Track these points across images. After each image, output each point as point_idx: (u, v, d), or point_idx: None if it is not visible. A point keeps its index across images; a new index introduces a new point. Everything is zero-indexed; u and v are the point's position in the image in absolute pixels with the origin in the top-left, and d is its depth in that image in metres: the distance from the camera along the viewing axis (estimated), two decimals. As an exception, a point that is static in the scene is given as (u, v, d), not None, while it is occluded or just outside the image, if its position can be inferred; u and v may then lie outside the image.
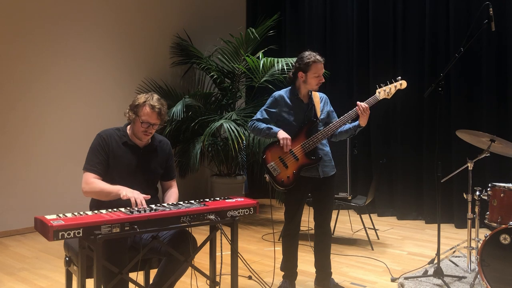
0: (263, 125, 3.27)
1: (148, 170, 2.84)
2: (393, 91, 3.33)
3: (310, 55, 3.23)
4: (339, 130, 3.33)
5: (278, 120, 3.34)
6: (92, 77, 5.62)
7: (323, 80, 3.29)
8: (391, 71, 5.89)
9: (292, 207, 3.34)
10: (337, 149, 4.60)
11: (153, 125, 2.77)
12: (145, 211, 2.37)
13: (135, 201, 2.53)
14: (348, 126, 3.33)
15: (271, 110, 3.33)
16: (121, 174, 2.75)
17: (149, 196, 2.60)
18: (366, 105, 3.20)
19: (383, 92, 3.32)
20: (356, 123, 3.29)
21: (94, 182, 2.67)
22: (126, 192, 2.58)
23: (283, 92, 3.36)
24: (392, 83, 3.34)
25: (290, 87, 3.37)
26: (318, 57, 3.24)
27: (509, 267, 3.00)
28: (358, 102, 3.21)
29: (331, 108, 3.45)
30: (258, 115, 3.35)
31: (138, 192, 2.59)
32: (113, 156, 2.75)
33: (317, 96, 3.38)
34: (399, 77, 3.36)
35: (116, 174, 2.75)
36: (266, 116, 3.33)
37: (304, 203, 3.38)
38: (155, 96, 2.82)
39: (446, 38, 5.48)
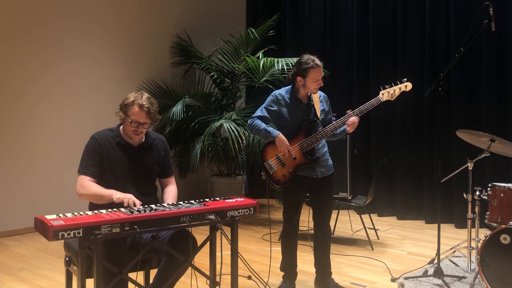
0: (262, 126, 3.24)
1: (145, 169, 2.82)
2: (397, 93, 3.26)
3: (308, 60, 3.17)
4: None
5: (277, 119, 3.33)
6: (92, 77, 5.62)
7: (322, 84, 3.23)
8: (391, 71, 5.89)
9: (291, 207, 3.34)
10: (337, 149, 4.60)
11: (142, 124, 2.72)
12: (145, 211, 2.37)
13: (128, 202, 2.52)
14: (337, 130, 3.28)
15: (271, 108, 3.31)
16: (116, 175, 2.74)
17: (140, 202, 2.58)
18: (355, 121, 3.20)
19: (387, 93, 3.26)
20: (344, 127, 3.26)
21: (89, 186, 2.66)
22: (119, 195, 2.57)
23: (283, 91, 3.34)
24: (397, 84, 3.27)
25: (289, 87, 3.35)
26: (317, 61, 3.17)
27: (509, 267, 3.00)
28: (350, 118, 3.19)
29: (330, 108, 3.44)
30: (258, 113, 3.33)
31: (131, 195, 2.59)
32: (107, 158, 2.73)
33: (316, 96, 3.35)
34: (405, 79, 3.28)
35: (112, 175, 2.73)
36: (266, 114, 3.31)
37: (302, 203, 3.38)
38: (145, 95, 2.76)
39: (446, 38, 5.48)
